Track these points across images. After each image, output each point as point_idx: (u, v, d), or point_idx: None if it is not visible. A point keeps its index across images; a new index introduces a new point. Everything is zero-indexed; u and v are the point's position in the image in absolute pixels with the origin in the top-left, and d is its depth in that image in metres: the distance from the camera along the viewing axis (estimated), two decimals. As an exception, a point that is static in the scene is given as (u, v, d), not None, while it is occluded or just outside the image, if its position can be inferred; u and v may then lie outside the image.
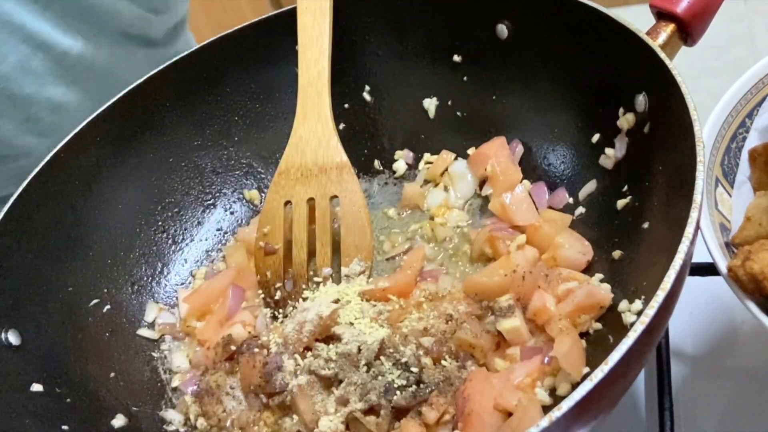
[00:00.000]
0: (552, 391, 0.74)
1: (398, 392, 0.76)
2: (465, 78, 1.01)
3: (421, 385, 0.77)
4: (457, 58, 1.00)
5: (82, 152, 0.94)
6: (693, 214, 0.64)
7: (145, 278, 0.98)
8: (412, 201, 1.01)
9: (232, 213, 1.06)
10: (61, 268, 0.91)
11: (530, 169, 0.96)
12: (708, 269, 0.80)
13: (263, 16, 1.02)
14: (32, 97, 1.06)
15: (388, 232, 1.00)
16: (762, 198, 0.78)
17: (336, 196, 0.94)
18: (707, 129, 0.80)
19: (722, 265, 0.70)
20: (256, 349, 0.85)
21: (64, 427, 0.78)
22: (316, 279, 0.92)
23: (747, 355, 0.92)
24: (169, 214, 1.02)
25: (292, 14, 0.99)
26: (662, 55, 0.76)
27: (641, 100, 0.81)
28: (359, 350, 0.80)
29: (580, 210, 0.90)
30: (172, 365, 0.92)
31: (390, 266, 0.96)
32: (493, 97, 0.99)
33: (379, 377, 0.78)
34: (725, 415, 0.87)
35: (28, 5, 1.01)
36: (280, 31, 1.02)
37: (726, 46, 2.32)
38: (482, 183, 0.99)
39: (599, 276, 0.82)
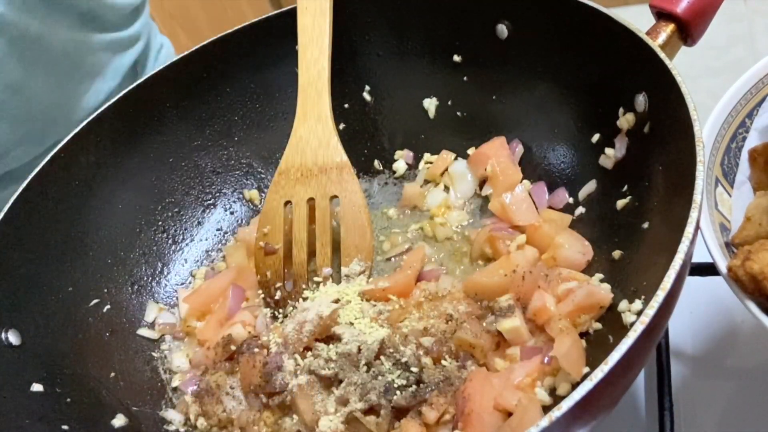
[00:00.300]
0: (552, 391, 0.74)
1: (398, 392, 0.76)
2: (465, 78, 1.01)
3: (421, 385, 0.77)
4: (457, 58, 1.00)
5: (82, 152, 0.94)
6: (693, 214, 0.64)
7: (145, 278, 0.98)
8: (412, 201, 1.01)
9: (232, 213, 1.06)
10: (61, 268, 0.91)
11: (530, 169, 0.96)
12: (708, 269, 0.80)
13: (263, 16, 1.02)
14: None
15: (388, 232, 1.00)
16: (762, 198, 0.78)
17: (336, 196, 0.94)
18: (707, 129, 0.80)
19: (722, 265, 0.70)
20: (256, 349, 0.85)
21: (64, 427, 0.78)
22: (316, 279, 0.92)
23: (747, 355, 0.92)
24: (169, 214, 1.02)
25: (292, 14, 0.99)
26: (662, 55, 0.76)
27: (641, 100, 0.81)
28: (359, 350, 0.80)
29: (580, 210, 0.90)
30: (172, 365, 0.92)
31: (390, 266, 0.96)
32: (493, 97, 0.99)
33: (379, 377, 0.78)
34: (725, 415, 0.87)
35: None
36: (280, 31, 1.02)
37: (726, 46, 2.32)
38: (482, 183, 0.99)
39: (599, 276, 0.82)
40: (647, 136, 0.81)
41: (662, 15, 0.83)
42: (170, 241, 1.02)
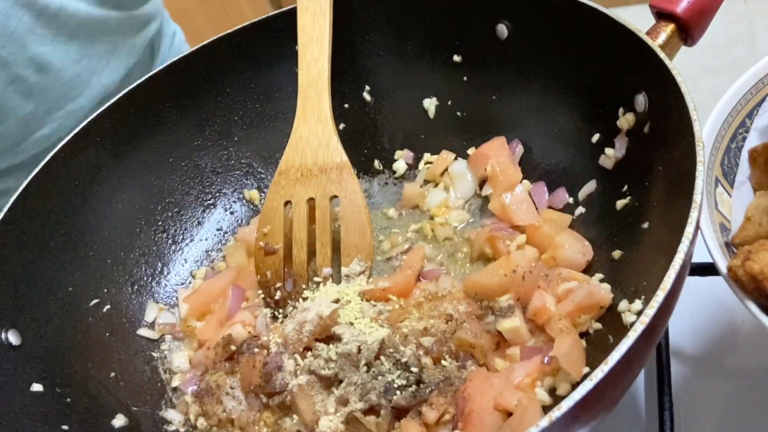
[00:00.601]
0: (552, 391, 0.74)
1: (398, 392, 0.76)
2: (465, 78, 1.01)
3: (421, 385, 0.77)
4: (457, 58, 1.00)
5: (82, 152, 0.94)
6: (693, 214, 0.64)
7: (145, 278, 0.98)
8: (412, 201, 1.01)
9: (232, 213, 1.06)
10: (61, 268, 0.91)
11: (530, 169, 0.96)
12: (708, 269, 0.80)
13: (263, 16, 1.02)
14: (15, 56, 1.05)
15: (388, 232, 1.00)
16: (762, 198, 0.78)
17: (336, 196, 0.94)
18: (707, 129, 0.80)
19: (722, 265, 0.70)
20: (256, 349, 0.85)
21: (64, 427, 0.78)
22: (316, 279, 0.92)
23: (747, 355, 0.92)
24: (169, 214, 1.02)
25: (292, 14, 0.99)
26: (662, 55, 0.76)
27: (641, 100, 0.81)
28: (359, 350, 0.80)
29: (580, 210, 0.90)
30: (172, 365, 0.92)
31: (390, 266, 0.96)
32: (493, 97, 0.99)
33: (379, 377, 0.78)
34: (725, 415, 0.87)
35: None
36: (280, 31, 1.02)
37: (726, 46, 2.32)
38: (482, 183, 0.99)
39: (599, 276, 0.82)
40: (647, 136, 0.81)
41: (662, 15, 0.83)
42: (170, 241, 1.02)
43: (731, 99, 0.82)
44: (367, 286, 0.90)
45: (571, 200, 0.92)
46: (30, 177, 0.90)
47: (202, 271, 1.01)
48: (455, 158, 1.02)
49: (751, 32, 2.42)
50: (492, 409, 0.72)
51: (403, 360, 0.78)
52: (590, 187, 0.90)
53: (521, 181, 0.95)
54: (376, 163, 1.06)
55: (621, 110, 0.85)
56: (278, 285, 0.93)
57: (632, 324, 0.59)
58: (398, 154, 1.06)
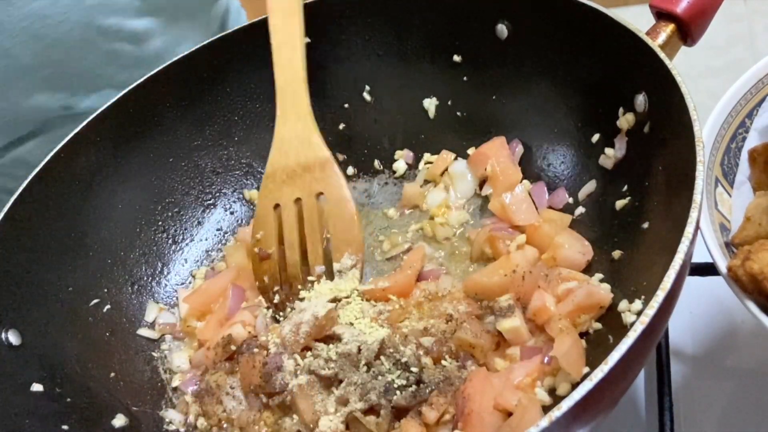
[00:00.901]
0: (552, 391, 0.74)
1: (398, 392, 0.76)
2: (465, 78, 1.01)
3: (421, 385, 0.77)
4: (457, 58, 1.00)
5: (82, 152, 0.94)
6: (693, 214, 0.64)
7: (145, 278, 0.98)
8: (412, 201, 1.01)
9: (232, 213, 1.06)
10: (61, 268, 0.91)
11: (530, 169, 0.96)
12: (708, 269, 0.80)
13: (263, 16, 1.02)
14: (116, 29, 1.08)
15: (388, 232, 1.00)
16: (762, 198, 0.78)
17: (322, 193, 0.94)
18: (707, 129, 0.80)
19: (722, 265, 0.70)
20: (256, 349, 0.85)
21: (64, 427, 0.78)
22: (310, 278, 0.92)
23: (747, 355, 0.92)
24: (169, 214, 1.02)
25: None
26: (662, 55, 0.76)
27: (641, 100, 0.81)
28: (359, 350, 0.80)
29: (580, 210, 0.90)
30: (172, 365, 0.92)
31: (390, 266, 0.96)
32: (493, 97, 0.99)
33: (379, 377, 0.78)
34: (725, 415, 0.87)
35: None
36: (280, 31, 1.02)
37: (726, 46, 2.33)
38: (482, 183, 0.99)
39: (599, 276, 0.82)
40: (647, 136, 0.81)
41: (662, 15, 0.83)
42: (170, 241, 1.02)
43: (731, 99, 0.82)
44: (365, 285, 0.90)
45: (571, 200, 0.92)
46: (30, 177, 0.90)
47: (202, 271, 1.01)
48: (455, 158, 1.02)
49: (751, 32, 2.42)
50: (492, 409, 0.72)
51: (403, 360, 0.78)
52: (590, 187, 0.90)
53: (521, 181, 0.95)
54: (376, 163, 1.06)
55: (621, 110, 0.85)
56: (276, 288, 0.93)
57: (632, 324, 0.59)
58: (398, 154, 1.06)
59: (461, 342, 0.80)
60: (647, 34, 0.81)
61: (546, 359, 0.75)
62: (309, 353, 0.82)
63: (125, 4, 1.08)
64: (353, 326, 0.84)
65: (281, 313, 0.92)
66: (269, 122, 1.06)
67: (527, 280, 0.81)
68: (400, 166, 1.05)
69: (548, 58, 0.92)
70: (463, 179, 1.00)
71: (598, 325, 0.78)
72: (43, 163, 0.91)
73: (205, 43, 1.01)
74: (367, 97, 1.06)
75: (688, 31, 0.83)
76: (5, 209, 0.87)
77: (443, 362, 0.79)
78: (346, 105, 1.06)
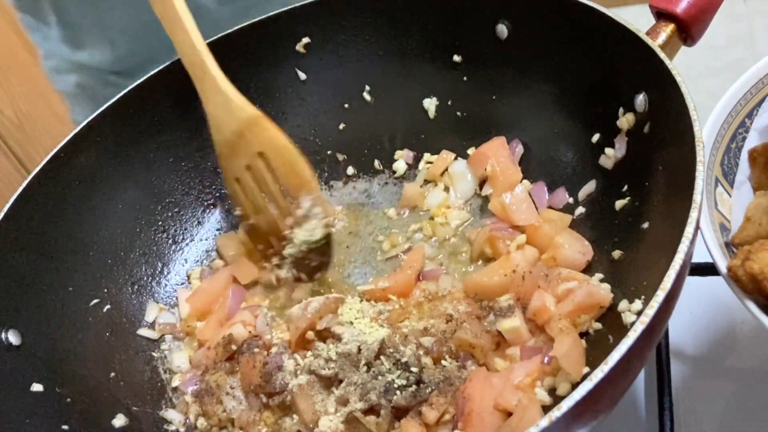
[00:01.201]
0: (552, 391, 0.74)
1: (398, 392, 0.76)
2: (465, 78, 1.01)
3: (421, 385, 0.77)
4: (457, 58, 1.00)
5: (82, 152, 0.94)
6: (693, 214, 0.64)
7: (145, 278, 0.98)
8: (412, 201, 1.01)
9: (232, 213, 1.06)
10: (61, 268, 0.91)
11: (530, 169, 0.96)
12: (708, 269, 0.80)
13: (263, 16, 1.02)
14: None
15: (388, 232, 1.00)
16: (762, 198, 0.78)
17: (262, 152, 0.93)
18: (707, 129, 0.80)
19: (722, 265, 0.70)
20: (256, 349, 0.85)
21: (64, 427, 0.78)
22: (287, 233, 0.93)
23: (747, 355, 0.92)
24: (169, 214, 1.02)
25: (292, 14, 1.00)
26: (662, 55, 0.76)
27: (641, 100, 0.81)
28: (359, 350, 0.80)
29: (580, 210, 0.90)
30: (172, 365, 0.92)
31: (390, 266, 0.96)
32: (493, 97, 0.99)
33: (379, 377, 0.78)
34: (725, 415, 0.86)
35: None
36: (280, 31, 1.02)
37: (726, 46, 2.32)
38: (482, 183, 0.99)
39: (599, 276, 0.82)
40: (647, 136, 0.81)
41: (662, 15, 0.83)
42: (170, 241, 1.02)
43: (731, 99, 0.82)
44: (366, 285, 0.90)
45: (571, 200, 0.92)
46: (30, 177, 0.90)
47: (197, 271, 1.01)
48: (455, 158, 1.02)
49: (751, 32, 2.42)
50: (492, 409, 0.72)
51: (403, 360, 0.78)
52: (590, 187, 0.90)
53: (521, 181, 0.95)
54: (376, 163, 1.06)
55: (621, 110, 0.85)
56: (270, 251, 0.95)
57: (632, 324, 0.59)
58: (398, 154, 1.06)
59: (461, 342, 0.80)
60: (647, 34, 0.81)
61: (546, 359, 0.75)
62: (309, 353, 0.83)
63: None
64: (353, 326, 0.84)
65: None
66: (269, 122, 1.06)
67: (527, 280, 0.81)
68: (400, 166, 1.05)
69: (548, 58, 0.92)
70: (463, 179, 1.00)
71: (598, 325, 0.78)
72: (43, 163, 0.91)
73: (205, 42, 1.01)
74: (367, 97, 1.06)
75: (688, 31, 0.83)
76: (6, 208, 0.87)
77: (443, 362, 0.79)
78: (346, 105, 1.06)
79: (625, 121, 0.84)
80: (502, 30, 0.95)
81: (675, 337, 0.91)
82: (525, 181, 0.95)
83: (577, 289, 0.78)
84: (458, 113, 1.03)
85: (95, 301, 0.92)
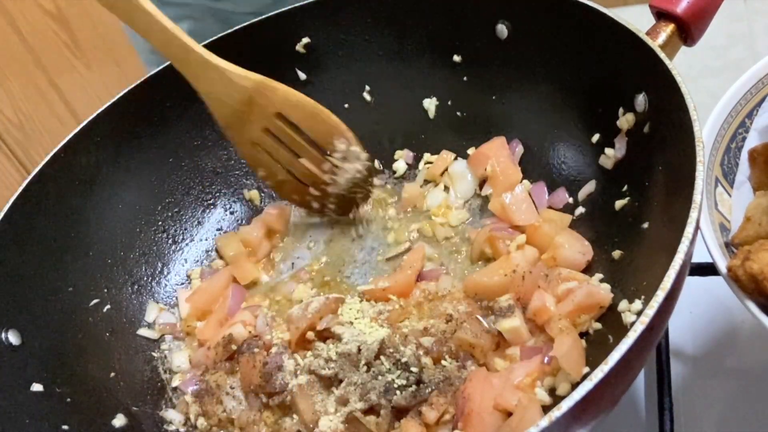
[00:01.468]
0: (552, 391, 0.74)
1: (398, 392, 0.76)
2: (465, 78, 1.01)
3: (421, 385, 0.77)
4: (457, 58, 1.00)
5: (82, 152, 0.94)
6: (693, 214, 0.64)
7: (145, 278, 0.98)
8: (412, 201, 1.01)
9: (232, 213, 1.06)
10: (61, 268, 0.91)
11: (530, 169, 0.96)
12: (708, 269, 0.80)
13: (263, 16, 1.02)
14: None
15: (388, 232, 1.00)
16: (762, 198, 0.78)
17: (279, 112, 0.93)
18: (707, 129, 0.80)
19: (722, 265, 0.70)
20: (256, 349, 0.85)
21: (64, 427, 0.78)
22: (326, 178, 0.95)
23: (747, 355, 0.92)
24: (169, 214, 1.02)
25: (292, 14, 1.00)
26: (662, 55, 0.76)
27: (641, 100, 0.81)
28: (359, 350, 0.80)
29: (580, 210, 0.90)
30: (172, 365, 0.92)
31: (390, 266, 0.96)
32: (493, 97, 0.99)
33: (379, 377, 0.78)
34: (725, 415, 0.86)
35: None
36: (280, 31, 1.02)
37: (726, 46, 2.32)
38: (482, 183, 0.99)
39: (599, 276, 0.82)
40: (647, 136, 0.81)
41: (662, 15, 0.83)
42: (170, 241, 1.02)
43: (731, 99, 0.82)
44: (366, 285, 0.90)
45: (571, 200, 0.92)
46: (30, 177, 0.90)
47: (197, 271, 1.01)
48: (455, 158, 1.02)
49: (751, 32, 2.41)
50: (492, 409, 0.72)
51: (403, 360, 0.78)
52: (590, 187, 0.90)
53: (521, 181, 0.95)
54: (376, 163, 1.06)
55: (621, 110, 0.85)
56: (308, 197, 0.97)
57: (632, 324, 0.59)
58: (398, 154, 1.06)
59: (461, 342, 0.80)
60: (647, 34, 0.81)
61: (546, 359, 0.75)
62: (309, 353, 0.83)
63: None
64: (353, 326, 0.84)
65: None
66: (269, 122, 1.06)
67: (527, 280, 0.81)
68: (400, 166, 1.05)
69: (548, 58, 0.92)
70: (463, 179, 1.00)
71: (598, 325, 0.78)
72: (43, 163, 0.91)
73: (205, 43, 1.01)
74: (367, 97, 1.06)
75: (688, 31, 0.83)
76: (6, 208, 0.87)
77: (443, 362, 0.79)
78: (346, 105, 1.06)
79: (625, 121, 0.84)
80: (502, 30, 0.95)
81: (675, 337, 0.91)
82: (525, 181, 0.95)
83: (577, 289, 0.78)
84: (458, 113, 1.03)
85: (95, 301, 0.92)
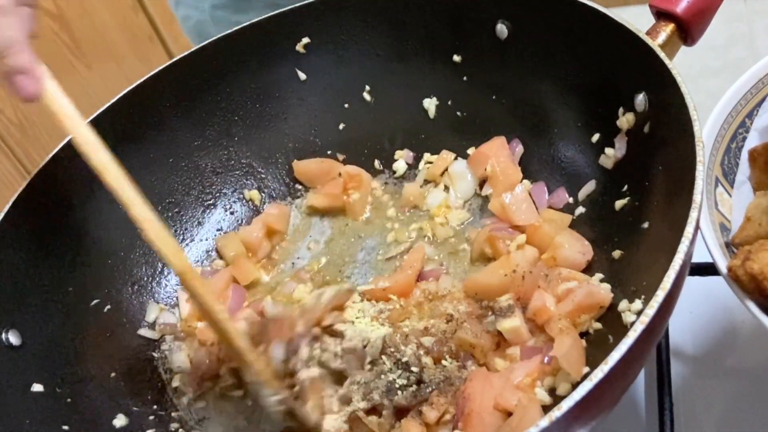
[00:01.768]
0: (552, 391, 0.74)
1: (399, 392, 0.76)
2: (465, 78, 1.01)
3: (422, 385, 0.77)
4: (457, 58, 1.00)
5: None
6: (693, 214, 0.64)
7: (146, 278, 0.98)
8: (412, 201, 1.01)
9: (232, 213, 1.06)
10: (61, 268, 0.91)
11: (530, 169, 0.96)
12: (708, 269, 0.80)
13: (263, 16, 1.02)
14: None
15: (387, 232, 1.00)
16: (762, 198, 0.78)
17: None
18: (707, 129, 0.80)
19: (722, 265, 0.70)
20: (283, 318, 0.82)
21: (64, 427, 0.78)
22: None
23: (747, 355, 0.92)
24: (169, 214, 1.02)
25: (292, 14, 1.00)
26: (662, 55, 0.76)
27: (641, 100, 0.81)
28: (364, 346, 0.80)
29: (580, 210, 0.90)
30: (173, 365, 0.92)
31: (390, 266, 0.96)
32: (493, 97, 0.99)
33: (381, 376, 0.78)
34: (725, 415, 0.86)
35: None
36: (281, 31, 1.02)
37: (726, 46, 2.32)
38: (482, 183, 0.99)
39: (599, 276, 0.82)
40: (647, 136, 0.81)
41: (662, 15, 0.83)
42: (170, 241, 1.02)
43: (731, 99, 0.82)
44: (365, 285, 0.90)
45: (571, 200, 0.92)
46: (30, 177, 0.90)
47: (197, 272, 1.01)
48: (455, 158, 1.02)
49: (751, 32, 2.41)
50: (492, 409, 0.72)
51: (404, 360, 0.78)
52: (590, 187, 0.90)
53: (521, 181, 0.95)
54: (376, 163, 1.06)
55: (621, 110, 0.85)
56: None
57: (632, 324, 0.59)
58: (398, 154, 1.06)
59: (461, 342, 0.80)
60: (647, 34, 0.80)
61: (546, 359, 0.75)
62: (317, 345, 0.82)
63: None
64: (354, 325, 0.84)
65: None
66: (269, 122, 1.06)
67: (527, 280, 0.81)
68: (400, 166, 1.05)
69: (548, 58, 0.92)
70: (463, 179, 1.00)
71: (598, 325, 0.78)
72: (42, 163, 0.91)
73: (205, 43, 1.01)
74: (367, 97, 1.06)
75: (688, 31, 0.83)
76: (6, 208, 0.87)
77: (443, 362, 0.79)
78: (346, 105, 1.06)
79: (625, 121, 0.84)
80: (502, 30, 0.95)
81: (675, 337, 0.91)
82: (525, 181, 0.95)
83: (577, 289, 0.78)
84: (458, 113, 1.03)
85: (95, 301, 0.92)
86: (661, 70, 0.76)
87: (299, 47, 1.04)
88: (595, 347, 0.75)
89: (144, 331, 0.94)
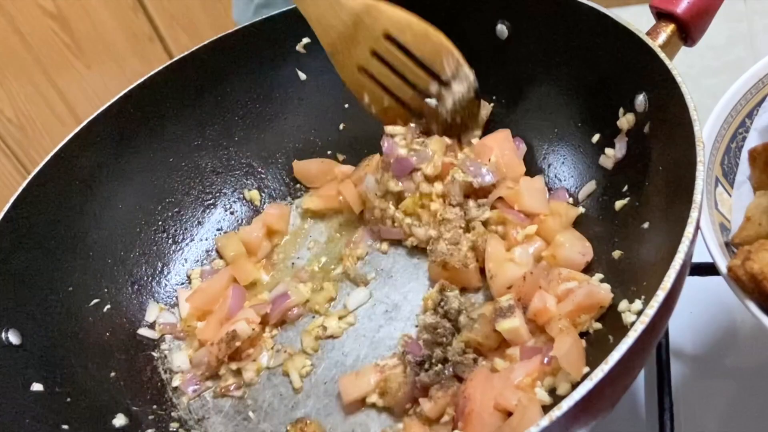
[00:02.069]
0: (552, 391, 0.74)
1: (425, 370, 0.78)
2: (465, 78, 1.01)
3: (446, 364, 0.78)
4: (457, 58, 1.00)
5: (82, 152, 0.94)
6: (693, 214, 0.64)
7: (146, 278, 0.98)
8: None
9: (232, 213, 1.06)
10: (61, 268, 0.91)
11: (530, 169, 0.96)
12: (708, 269, 0.80)
13: (263, 17, 1.02)
14: None
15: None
16: (762, 198, 0.78)
17: (387, 31, 0.92)
18: (707, 129, 0.80)
19: (722, 265, 0.70)
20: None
21: (64, 427, 0.78)
22: (430, 100, 0.94)
23: (747, 355, 0.92)
24: (169, 214, 1.02)
25: (292, 14, 0.99)
26: (662, 55, 0.76)
27: (641, 100, 0.81)
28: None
29: (580, 210, 0.90)
30: (173, 365, 0.92)
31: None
32: (493, 97, 0.99)
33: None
34: (725, 415, 0.87)
35: None
36: (280, 31, 1.02)
37: (726, 46, 2.32)
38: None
39: (599, 276, 0.82)
40: (647, 136, 0.81)
41: (662, 15, 0.83)
42: (170, 241, 1.02)
43: (731, 99, 0.82)
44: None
45: (571, 200, 0.92)
46: (30, 177, 0.90)
47: (197, 271, 1.01)
48: (455, 158, 1.01)
49: (751, 32, 2.41)
50: (492, 409, 0.72)
51: (447, 307, 0.82)
52: (590, 187, 0.90)
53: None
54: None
55: (621, 110, 0.85)
56: (413, 125, 0.95)
57: (632, 324, 0.59)
58: (399, 154, 1.06)
59: (469, 341, 0.80)
60: (647, 34, 0.81)
61: (546, 359, 0.75)
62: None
63: None
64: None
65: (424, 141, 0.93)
66: (269, 122, 1.06)
67: (528, 281, 0.81)
68: (400, 166, 1.05)
69: (548, 58, 0.92)
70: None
71: (598, 325, 0.78)
72: (43, 163, 0.91)
73: (205, 42, 1.01)
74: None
75: (688, 31, 0.83)
76: (6, 208, 0.87)
77: (466, 353, 0.79)
78: (346, 105, 1.06)
79: (625, 121, 0.84)
80: (502, 30, 0.95)
81: (675, 337, 0.91)
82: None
83: (577, 289, 0.78)
84: (458, 113, 1.03)
85: (95, 301, 0.92)
86: (661, 70, 0.76)
87: (299, 47, 1.04)
88: (595, 347, 0.75)
89: (144, 331, 0.94)
